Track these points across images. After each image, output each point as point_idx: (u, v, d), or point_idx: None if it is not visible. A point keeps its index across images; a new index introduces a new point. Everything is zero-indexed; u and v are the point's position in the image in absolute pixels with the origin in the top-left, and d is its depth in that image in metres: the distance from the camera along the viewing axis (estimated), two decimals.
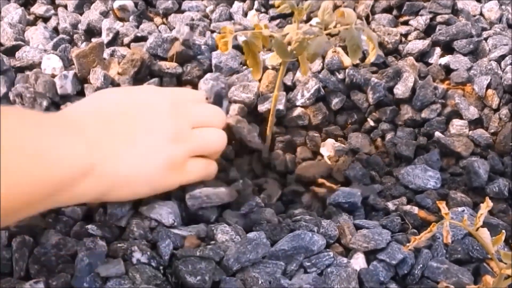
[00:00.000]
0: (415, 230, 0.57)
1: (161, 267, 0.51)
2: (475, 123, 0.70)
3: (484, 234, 0.42)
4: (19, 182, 0.43)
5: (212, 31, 0.81)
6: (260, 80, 0.73)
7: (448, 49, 0.78)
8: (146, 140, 0.55)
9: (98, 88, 0.69)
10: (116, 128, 0.54)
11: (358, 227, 0.56)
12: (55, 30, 0.82)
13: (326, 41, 0.56)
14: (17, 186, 0.43)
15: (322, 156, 0.71)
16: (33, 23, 0.84)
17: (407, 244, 0.43)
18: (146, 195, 0.56)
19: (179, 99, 0.61)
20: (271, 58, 0.66)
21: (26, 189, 0.44)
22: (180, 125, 0.58)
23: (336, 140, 0.71)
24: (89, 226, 0.53)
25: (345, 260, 0.52)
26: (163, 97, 0.60)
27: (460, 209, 0.58)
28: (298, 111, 0.71)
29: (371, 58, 0.58)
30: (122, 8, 0.84)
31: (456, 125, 0.68)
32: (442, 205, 0.42)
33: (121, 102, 0.58)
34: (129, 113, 0.56)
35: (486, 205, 0.42)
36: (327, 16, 0.56)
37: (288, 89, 0.73)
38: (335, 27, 0.57)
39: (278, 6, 0.58)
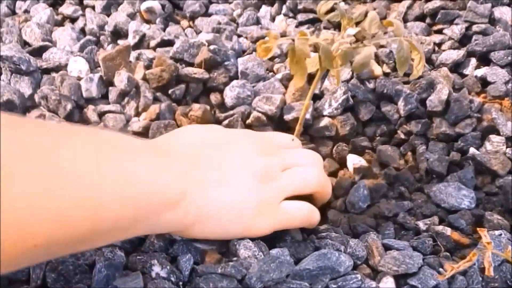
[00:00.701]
0: (448, 253, 0.54)
1: (180, 283, 0.49)
2: None
3: None
4: (112, 202, 0.42)
5: (239, 36, 0.80)
6: (286, 88, 0.71)
7: (484, 60, 0.75)
8: (237, 176, 0.52)
9: (122, 91, 0.67)
10: (207, 162, 0.52)
11: (387, 248, 0.54)
12: (82, 31, 0.81)
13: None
14: (109, 206, 0.42)
15: (348, 168, 0.68)
16: (60, 23, 0.83)
17: (443, 273, 0.41)
18: (237, 235, 0.53)
19: (268, 142, 0.59)
20: (308, 65, 0.63)
21: (116, 210, 0.42)
22: (270, 165, 0.54)
23: (364, 153, 0.69)
24: None
25: (373, 284, 0.50)
26: (252, 138, 0.58)
27: (497, 232, 0.55)
28: (325, 121, 0.69)
29: (419, 71, 0.56)
30: (149, 10, 0.83)
31: (493, 141, 0.65)
32: (484, 233, 0.39)
33: (211, 138, 0.56)
34: (219, 149, 0.54)
35: None
36: (374, 27, 0.54)
37: (316, 97, 0.71)
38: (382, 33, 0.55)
39: (322, 13, 0.56)
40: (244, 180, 0.52)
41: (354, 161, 0.67)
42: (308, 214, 0.56)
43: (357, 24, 0.63)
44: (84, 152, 0.42)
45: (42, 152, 0.39)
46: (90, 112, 0.66)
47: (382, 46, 0.74)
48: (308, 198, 0.58)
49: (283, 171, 0.56)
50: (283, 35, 0.80)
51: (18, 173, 0.36)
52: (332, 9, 0.60)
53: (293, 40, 0.57)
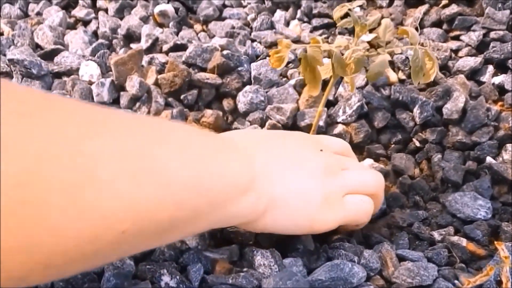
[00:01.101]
0: (463, 265, 0.53)
1: None
2: None
3: None
4: (188, 193, 0.41)
5: (253, 40, 0.79)
6: (300, 94, 0.70)
7: (502, 67, 0.73)
8: (301, 165, 0.52)
9: (133, 96, 0.67)
10: (273, 155, 0.52)
11: (401, 258, 0.53)
12: (95, 34, 0.81)
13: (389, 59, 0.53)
14: (186, 197, 0.41)
15: None
16: (73, 26, 0.83)
17: (459, 286, 0.40)
18: (305, 229, 0.52)
19: (320, 142, 0.58)
20: (321, 72, 0.62)
21: (193, 201, 0.41)
22: (331, 163, 0.54)
23: (379, 160, 0.68)
24: None
25: None
26: (304, 135, 0.58)
27: None
28: (339, 128, 0.68)
29: (431, 75, 0.55)
30: (163, 14, 0.83)
31: (510, 150, 0.64)
32: (501, 247, 0.38)
33: (277, 136, 0.56)
34: (284, 145, 0.54)
35: None
36: (388, 34, 0.53)
37: (330, 104, 0.70)
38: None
39: (337, 18, 0.55)
40: (309, 170, 0.52)
41: (373, 164, 0.66)
42: (371, 208, 0.55)
43: (371, 31, 0.62)
44: (164, 142, 0.41)
45: (137, 152, 0.38)
46: None
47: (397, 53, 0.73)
48: None
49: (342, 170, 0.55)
50: (297, 40, 0.79)
51: (104, 152, 0.35)
52: (346, 15, 0.59)
53: (306, 47, 0.56)
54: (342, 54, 0.55)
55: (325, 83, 0.63)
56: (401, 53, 0.73)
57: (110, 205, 0.35)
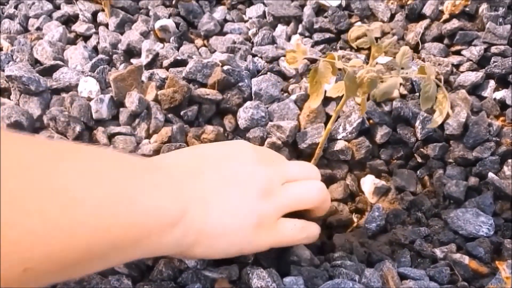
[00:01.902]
0: (466, 283, 0.53)
1: None
2: None
3: None
4: (110, 225, 0.40)
5: (254, 55, 0.79)
6: (301, 109, 0.70)
7: (503, 82, 0.73)
8: (237, 192, 0.51)
9: (133, 112, 0.66)
10: (206, 177, 0.51)
11: (403, 277, 0.52)
12: (95, 49, 0.81)
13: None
14: (108, 229, 0.40)
15: (363, 193, 0.67)
16: (73, 41, 0.83)
17: None
18: (234, 254, 0.52)
19: (269, 153, 0.58)
20: (331, 90, 0.61)
21: (116, 232, 0.41)
22: (270, 178, 0.54)
23: (381, 176, 0.67)
24: None
25: None
26: (253, 151, 0.56)
27: None
28: (340, 145, 0.67)
29: (443, 116, 0.55)
30: (163, 29, 0.83)
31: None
32: (503, 267, 0.38)
33: (211, 151, 0.55)
34: (220, 162, 0.53)
35: None
36: (405, 61, 0.53)
37: (330, 118, 0.69)
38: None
39: (353, 39, 0.55)
40: (245, 196, 0.51)
41: (374, 180, 0.66)
42: (304, 231, 0.56)
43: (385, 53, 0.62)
44: (83, 171, 0.40)
45: (40, 168, 0.37)
46: (100, 134, 0.65)
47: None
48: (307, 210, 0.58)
49: (283, 184, 0.55)
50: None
51: (13, 190, 0.35)
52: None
53: (320, 60, 0.56)
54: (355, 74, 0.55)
55: (327, 98, 0.63)
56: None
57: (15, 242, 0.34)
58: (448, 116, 0.63)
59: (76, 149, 0.44)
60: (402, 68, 0.54)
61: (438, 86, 0.54)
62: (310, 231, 0.56)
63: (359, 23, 0.84)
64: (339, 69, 0.55)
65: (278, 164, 0.57)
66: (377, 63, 0.55)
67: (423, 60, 0.75)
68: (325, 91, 0.61)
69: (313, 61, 0.76)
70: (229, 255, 0.52)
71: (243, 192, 0.51)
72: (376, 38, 0.81)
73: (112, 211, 0.41)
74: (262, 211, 0.51)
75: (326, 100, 0.69)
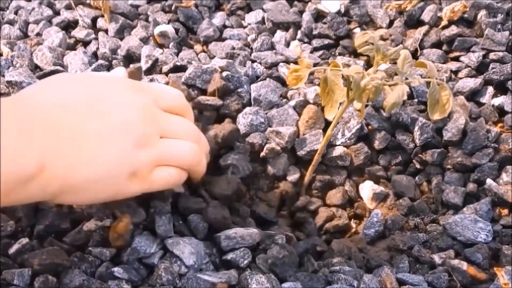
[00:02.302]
0: None
1: None
2: None
3: None
4: None
5: (253, 61, 0.79)
6: (300, 115, 0.70)
7: (501, 88, 0.73)
8: (109, 143, 0.50)
9: None
10: (77, 126, 0.49)
11: (401, 283, 0.53)
12: (95, 55, 0.81)
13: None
14: None
15: (362, 198, 0.67)
16: (73, 47, 0.83)
17: None
18: (105, 200, 0.53)
19: (150, 103, 0.55)
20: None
21: None
22: (147, 130, 0.53)
23: (379, 182, 0.67)
24: (115, 269, 0.51)
25: None
26: (134, 96, 0.54)
27: None
28: (339, 150, 0.67)
29: (446, 110, 0.55)
30: (163, 34, 0.83)
31: (510, 172, 0.64)
32: (501, 273, 0.38)
33: (86, 95, 0.52)
34: (92, 109, 0.50)
35: None
36: (407, 65, 0.53)
37: (328, 124, 0.70)
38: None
39: (358, 45, 0.55)
40: (115, 148, 0.50)
41: (373, 186, 0.66)
42: (179, 179, 0.56)
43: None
44: None
45: None
46: None
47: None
48: None
49: (161, 138, 0.54)
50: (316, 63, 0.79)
51: None
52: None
53: (325, 69, 0.56)
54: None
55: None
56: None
57: None
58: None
59: None
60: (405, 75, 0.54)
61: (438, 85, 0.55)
62: (180, 176, 0.56)
63: (358, 29, 0.84)
64: (342, 76, 0.56)
65: (159, 117, 0.55)
66: (377, 70, 0.55)
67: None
68: (305, 94, 0.61)
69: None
70: (99, 201, 0.53)
71: (116, 142, 0.50)
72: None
73: None
74: (135, 161, 0.51)
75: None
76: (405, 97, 0.53)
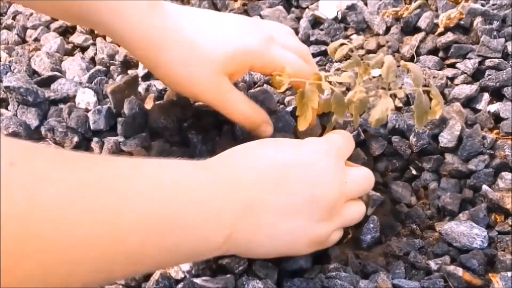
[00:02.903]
0: None
1: None
2: None
3: None
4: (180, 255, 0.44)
5: None
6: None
7: (497, 95, 0.74)
8: (297, 217, 0.50)
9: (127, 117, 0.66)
10: (270, 197, 0.48)
11: None
12: (92, 61, 0.81)
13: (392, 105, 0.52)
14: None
15: None
16: (70, 52, 0.83)
17: None
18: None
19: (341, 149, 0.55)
20: (321, 107, 0.60)
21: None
22: (337, 200, 0.52)
23: (376, 189, 0.68)
24: None
25: None
26: (328, 154, 0.53)
27: (509, 274, 0.53)
28: None
29: (437, 112, 0.54)
30: None
31: (506, 178, 0.64)
32: (496, 279, 0.38)
33: (280, 161, 0.51)
34: (287, 177, 0.50)
35: None
36: (391, 75, 0.52)
37: (324, 129, 0.70)
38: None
39: (337, 58, 0.56)
40: (303, 222, 0.51)
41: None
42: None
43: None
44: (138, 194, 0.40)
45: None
46: (94, 143, 0.65)
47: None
48: None
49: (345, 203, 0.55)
50: None
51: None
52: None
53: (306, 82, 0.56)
54: (348, 90, 0.55)
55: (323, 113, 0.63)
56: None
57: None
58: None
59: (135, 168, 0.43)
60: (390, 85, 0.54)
61: (428, 92, 0.54)
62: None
63: (355, 35, 0.85)
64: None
65: (351, 178, 0.55)
66: (368, 78, 0.55)
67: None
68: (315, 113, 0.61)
69: None
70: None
71: (302, 218, 0.50)
72: (370, 51, 0.82)
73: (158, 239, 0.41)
74: (318, 234, 0.52)
75: (323, 113, 0.69)
76: (389, 112, 0.52)
